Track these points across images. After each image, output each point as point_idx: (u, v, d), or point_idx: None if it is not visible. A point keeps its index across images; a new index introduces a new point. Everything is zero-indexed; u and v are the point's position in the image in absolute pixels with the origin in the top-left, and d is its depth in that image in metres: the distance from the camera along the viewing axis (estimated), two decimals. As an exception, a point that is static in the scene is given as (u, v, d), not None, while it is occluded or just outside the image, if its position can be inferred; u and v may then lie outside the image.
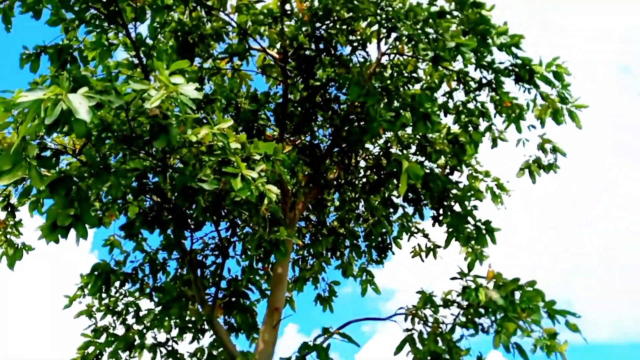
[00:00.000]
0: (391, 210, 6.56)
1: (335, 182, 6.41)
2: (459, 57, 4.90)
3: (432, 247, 6.69)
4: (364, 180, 6.44)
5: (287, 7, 5.61)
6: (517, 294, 4.59)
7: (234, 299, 5.58)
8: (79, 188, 3.24)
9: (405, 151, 6.28)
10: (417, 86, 6.10)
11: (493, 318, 4.58)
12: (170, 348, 5.83)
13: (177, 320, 5.78)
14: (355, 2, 5.28)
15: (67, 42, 4.53)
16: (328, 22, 5.61)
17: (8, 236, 5.26)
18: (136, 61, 5.08)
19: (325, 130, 6.46)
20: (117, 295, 5.87)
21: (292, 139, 6.22)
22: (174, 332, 5.88)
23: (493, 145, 6.09)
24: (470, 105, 5.95)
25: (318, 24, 5.62)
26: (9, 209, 5.26)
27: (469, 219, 5.85)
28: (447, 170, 6.25)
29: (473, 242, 5.79)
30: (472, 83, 5.69)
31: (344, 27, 5.78)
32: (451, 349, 4.71)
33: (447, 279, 4.98)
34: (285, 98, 5.82)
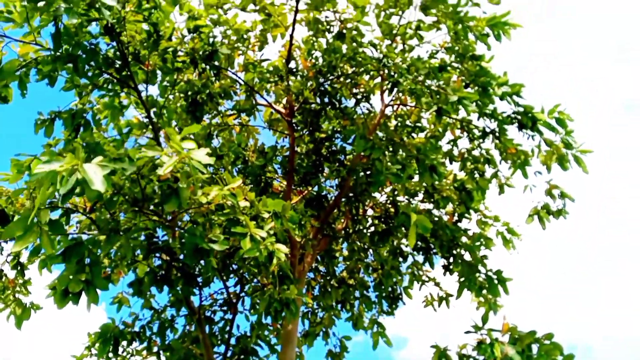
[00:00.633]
0: (400, 259, 6.50)
1: (343, 232, 6.40)
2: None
3: (444, 296, 6.60)
4: (372, 229, 6.42)
5: (292, 64, 5.80)
6: (534, 347, 4.45)
7: (242, 357, 5.45)
8: (91, 253, 3.25)
9: (412, 200, 6.29)
10: (422, 134, 6.19)
11: (511, 374, 4.42)
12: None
13: (186, 380, 5.62)
14: (358, 58, 5.47)
15: (81, 106, 4.67)
16: (332, 77, 5.78)
17: (17, 295, 5.26)
18: (147, 120, 5.23)
19: (332, 179, 6.51)
20: (125, 354, 5.75)
21: (299, 189, 6.27)
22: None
23: (500, 191, 6.09)
24: (475, 153, 6.00)
25: (322, 79, 5.78)
26: (19, 268, 5.27)
27: (480, 267, 5.77)
28: (456, 218, 6.23)
29: (485, 291, 5.69)
30: (475, 131, 5.76)
31: (348, 81, 5.93)
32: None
33: (460, 326, 4.88)
34: (292, 151, 5.91)
